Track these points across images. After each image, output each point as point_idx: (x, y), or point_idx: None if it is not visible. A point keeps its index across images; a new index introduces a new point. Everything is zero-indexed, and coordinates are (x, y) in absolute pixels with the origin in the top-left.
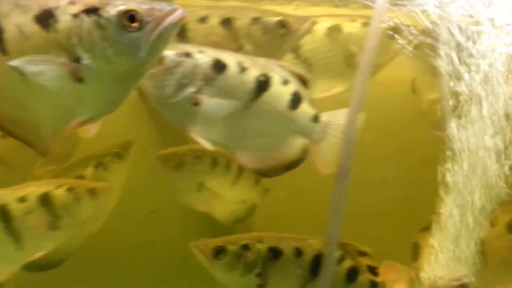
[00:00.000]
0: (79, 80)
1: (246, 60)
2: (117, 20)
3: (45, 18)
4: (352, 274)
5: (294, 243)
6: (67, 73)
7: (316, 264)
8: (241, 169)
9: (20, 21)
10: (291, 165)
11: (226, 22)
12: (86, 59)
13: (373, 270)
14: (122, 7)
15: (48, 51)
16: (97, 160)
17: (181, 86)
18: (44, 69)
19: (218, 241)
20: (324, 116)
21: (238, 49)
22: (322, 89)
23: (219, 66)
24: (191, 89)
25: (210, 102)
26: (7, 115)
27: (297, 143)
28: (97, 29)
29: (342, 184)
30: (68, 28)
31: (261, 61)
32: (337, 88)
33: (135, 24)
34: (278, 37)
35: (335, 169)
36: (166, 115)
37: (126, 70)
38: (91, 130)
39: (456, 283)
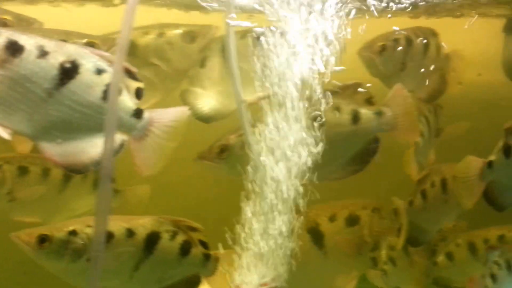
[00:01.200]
0: None
1: (51, 44)
2: None
3: None
4: (186, 248)
5: (125, 225)
6: None
7: (150, 242)
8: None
9: None
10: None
11: None
12: None
13: (204, 244)
14: None
15: None
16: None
17: None
18: None
19: (42, 229)
20: (148, 113)
21: None
22: None
23: (14, 49)
24: None
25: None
26: None
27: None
28: None
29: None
30: None
31: (72, 47)
32: None
33: None
34: None
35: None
36: None
37: None
38: None
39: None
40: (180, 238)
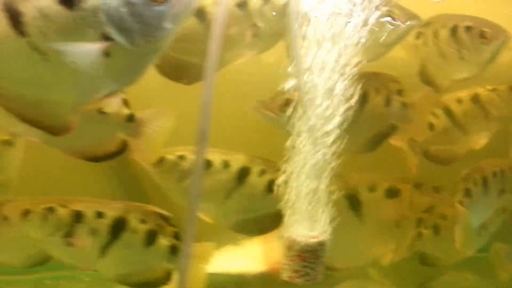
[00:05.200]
0: (106, 54)
1: None
2: None
3: None
4: (152, 237)
5: (96, 207)
6: (94, 49)
7: (117, 227)
8: None
9: (41, 4)
10: (113, 155)
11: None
12: (114, 35)
13: (175, 234)
14: None
15: (73, 30)
16: None
17: None
18: (73, 46)
19: (24, 204)
20: (139, 115)
21: None
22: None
23: None
24: None
25: None
26: (21, 98)
27: (117, 137)
28: (125, 5)
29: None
30: (95, 7)
31: None
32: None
33: None
34: None
35: (154, 160)
36: None
37: (151, 42)
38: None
39: (313, 240)
40: (147, 227)
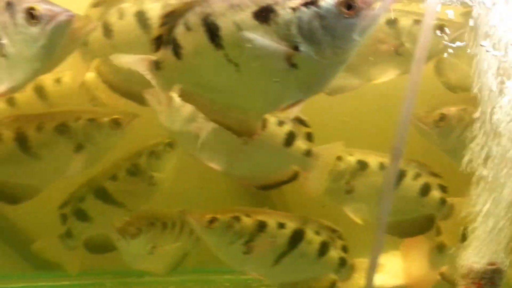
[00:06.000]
0: (293, 65)
1: None
2: (336, 9)
3: (265, 13)
4: (325, 248)
5: (278, 218)
6: (283, 59)
7: (294, 238)
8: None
9: (238, 18)
10: (282, 184)
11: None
12: (303, 47)
13: (343, 247)
14: None
15: None
16: (150, 149)
17: (188, 121)
18: (268, 48)
19: (211, 212)
20: (316, 150)
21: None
22: (374, 75)
23: None
24: (196, 124)
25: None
26: (214, 103)
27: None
28: (316, 19)
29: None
30: (287, 20)
31: None
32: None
33: (351, 11)
34: None
35: (321, 193)
36: (180, 143)
37: (339, 53)
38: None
39: (491, 267)
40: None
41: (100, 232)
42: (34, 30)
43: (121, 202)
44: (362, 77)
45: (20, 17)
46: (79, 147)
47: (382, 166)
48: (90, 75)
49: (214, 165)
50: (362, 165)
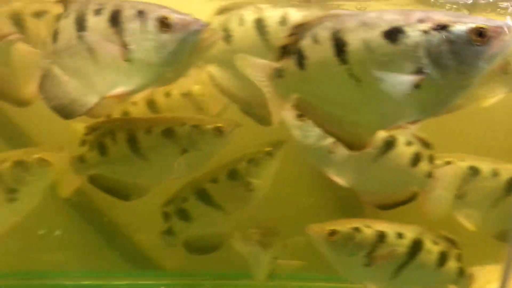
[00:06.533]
0: (416, 86)
1: None
2: (467, 35)
3: (395, 34)
4: (443, 258)
5: (396, 229)
6: (408, 80)
7: (414, 248)
8: None
9: (366, 36)
10: (402, 203)
11: None
12: (429, 69)
13: (459, 256)
14: (472, 25)
15: (392, 62)
16: (250, 156)
17: (321, 137)
18: (388, 76)
19: (331, 225)
20: (437, 171)
21: None
22: (481, 95)
23: None
24: (329, 140)
25: (343, 151)
26: (329, 115)
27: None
28: (446, 43)
29: None
30: (416, 42)
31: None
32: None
33: (482, 39)
34: None
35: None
36: (309, 158)
37: (464, 79)
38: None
39: None
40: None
41: (199, 233)
42: (165, 37)
43: (220, 205)
44: (468, 97)
45: (152, 24)
46: (183, 151)
47: (495, 173)
48: (196, 87)
49: (341, 181)
50: (474, 171)
